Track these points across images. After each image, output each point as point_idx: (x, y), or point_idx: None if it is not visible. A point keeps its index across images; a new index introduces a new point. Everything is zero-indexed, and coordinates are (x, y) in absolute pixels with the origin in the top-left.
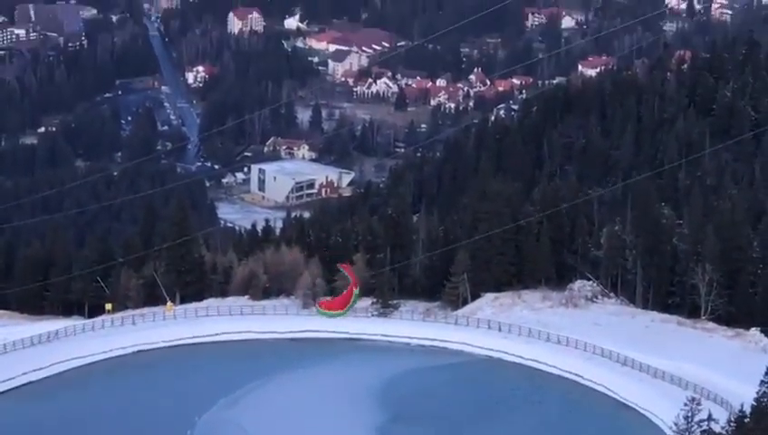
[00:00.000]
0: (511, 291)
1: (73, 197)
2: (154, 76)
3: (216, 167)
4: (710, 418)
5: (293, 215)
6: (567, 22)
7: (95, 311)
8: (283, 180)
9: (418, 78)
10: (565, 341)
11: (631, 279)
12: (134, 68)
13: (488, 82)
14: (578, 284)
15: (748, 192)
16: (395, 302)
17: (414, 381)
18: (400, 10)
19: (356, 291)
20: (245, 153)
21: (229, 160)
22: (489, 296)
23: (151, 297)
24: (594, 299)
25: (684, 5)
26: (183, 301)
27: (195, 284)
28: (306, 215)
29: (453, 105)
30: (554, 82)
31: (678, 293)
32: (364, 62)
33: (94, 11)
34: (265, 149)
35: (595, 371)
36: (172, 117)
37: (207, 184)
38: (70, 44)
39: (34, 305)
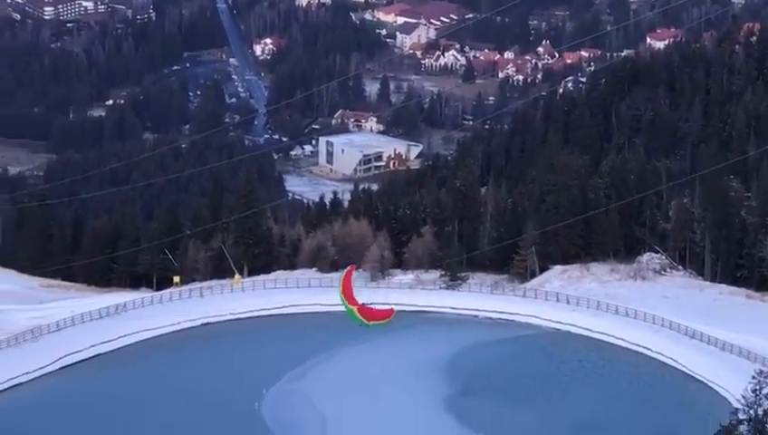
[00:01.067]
0: (579, 264)
1: (141, 169)
2: (222, 49)
3: (284, 139)
4: None
5: (361, 187)
6: None
7: (163, 283)
8: (351, 153)
9: (486, 50)
10: (633, 313)
11: (699, 252)
12: (202, 40)
13: (556, 55)
14: (646, 256)
15: None
16: (463, 274)
17: (482, 353)
18: None
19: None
20: (313, 126)
21: (297, 133)
22: (557, 269)
23: (219, 270)
24: (662, 272)
25: None
26: (251, 273)
27: (262, 256)
28: (374, 187)
29: (521, 77)
30: (622, 54)
31: (747, 265)
32: (432, 34)
33: None
34: (333, 121)
35: (663, 343)
36: (240, 89)
37: (275, 156)
38: (138, 17)
39: (102, 278)
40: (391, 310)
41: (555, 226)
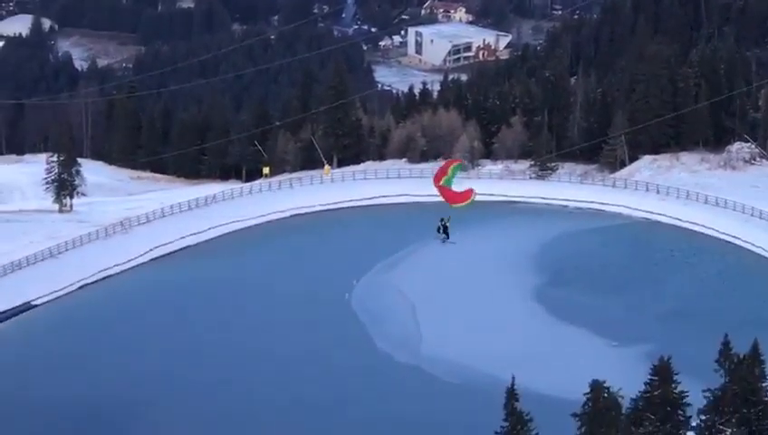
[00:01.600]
0: (669, 153)
1: (230, 61)
2: None
3: (373, 30)
4: None
5: (451, 78)
6: None
7: (252, 175)
8: (440, 43)
9: None
10: (723, 203)
11: None
12: None
13: None
14: (736, 146)
15: None
16: (553, 164)
17: (571, 243)
18: None
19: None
20: (402, 16)
21: (386, 23)
22: (647, 159)
23: (309, 161)
24: (752, 161)
25: None
26: (340, 164)
27: (352, 147)
28: (463, 78)
29: None
30: None
31: None
32: None
33: None
34: (422, 11)
35: (753, 232)
36: None
37: (364, 47)
38: None
39: (192, 170)
40: (470, 190)
41: (645, 115)
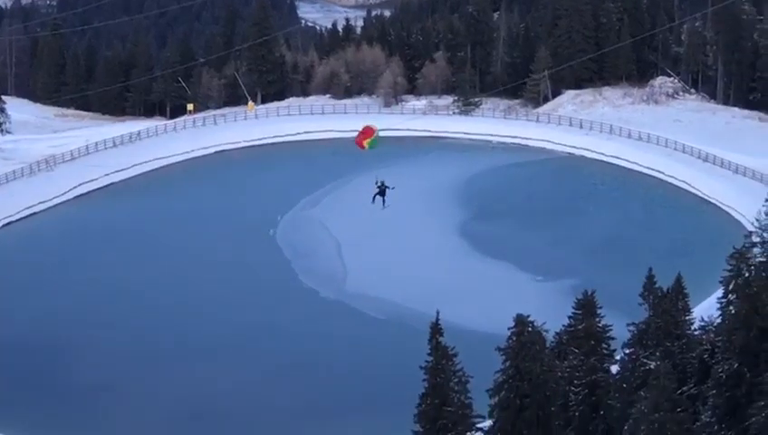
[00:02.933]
0: (592, 88)
1: None
2: None
3: None
4: None
5: (374, 14)
6: None
7: (177, 111)
8: None
9: None
10: (646, 137)
11: (712, 75)
12: None
13: None
14: (659, 80)
15: None
16: (476, 100)
17: (495, 178)
18: None
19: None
20: None
21: None
22: (570, 93)
23: (233, 97)
24: (675, 95)
25: None
26: (264, 100)
27: (276, 83)
28: (387, 13)
29: None
30: None
31: (760, 88)
32: None
33: None
34: None
35: (676, 167)
36: None
37: None
38: None
39: (116, 107)
40: (369, 127)
41: (568, 51)
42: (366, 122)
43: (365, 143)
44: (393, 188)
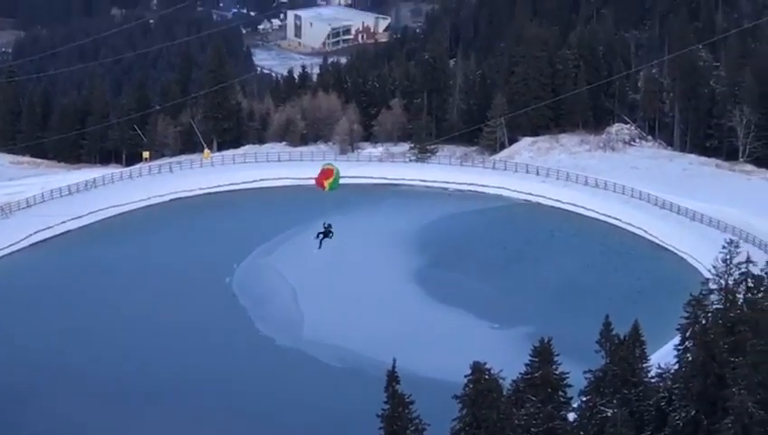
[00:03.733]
0: (548, 135)
1: (109, 45)
2: None
3: (253, 13)
4: (749, 260)
5: (330, 61)
6: None
7: (132, 159)
8: (319, 26)
9: None
10: (603, 184)
11: (669, 122)
12: None
13: None
14: (615, 127)
15: None
16: (432, 147)
17: (452, 225)
18: None
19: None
20: None
21: (265, 7)
22: (527, 140)
23: (188, 145)
24: (632, 142)
25: None
26: (220, 148)
27: (232, 131)
28: (343, 61)
29: None
30: None
31: (716, 135)
32: None
33: None
34: None
35: (633, 214)
36: None
37: (243, 31)
38: None
39: (71, 154)
40: (328, 169)
41: (524, 97)
42: (323, 165)
43: (326, 183)
44: (331, 236)
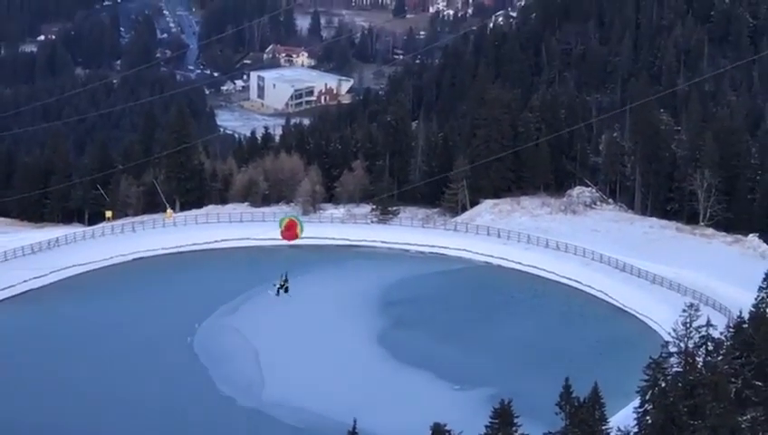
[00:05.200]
0: (510, 197)
1: (73, 105)
2: None
3: (216, 74)
4: (709, 324)
5: (293, 122)
6: None
7: (95, 218)
8: (282, 87)
9: None
10: (564, 247)
11: (630, 185)
12: None
13: None
14: (577, 190)
15: (746, 98)
16: (394, 208)
17: (414, 287)
18: None
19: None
20: (245, 60)
21: (228, 68)
22: (488, 203)
23: (151, 205)
24: (593, 205)
25: None
26: (183, 208)
27: (194, 191)
28: (306, 122)
29: (451, 12)
30: None
31: (677, 199)
32: None
33: None
34: (265, 56)
35: (594, 276)
36: (171, 24)
37: (207, 92)
38: None
39: (35, 213)
40: (291, 222)
41: (486, 160)
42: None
43: (297, 231)
44: (286, 291)
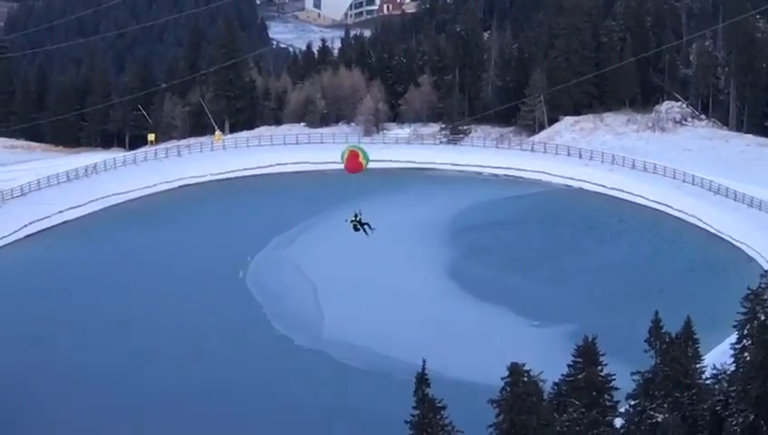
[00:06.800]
0: (592, 114)
1: (111, 17)
2: None
3: None
4: None
5: (353, 34)
6: None
7: (136, 142)
8: None
9: None
10: (652, 168)
11: (724, 99)
12: None
13: None
14: (665, 105)
15: None
16: (465, 127)
17: (487, 213)
18: None
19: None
20: None
21: None
22: (568, 120)
23: (198, 126)
24: (683, 122)
25: None
26: (233, 130)
27: (245, 111)
28: (367, 34)
29: None
30: None
31: None
32: None
33: None
34: None
35: (685, 200)
36: None
37: (258, 1)
38: None
39: (71, 137)
40: (351, 151)
41: (565, 73)
42: (343, 148)
43: (361, 160)
44: (373, 230)
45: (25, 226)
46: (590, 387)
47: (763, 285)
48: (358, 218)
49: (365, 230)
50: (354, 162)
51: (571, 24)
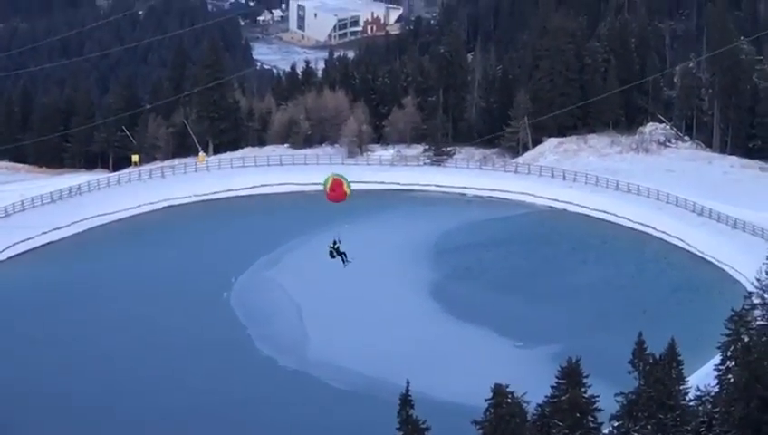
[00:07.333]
0: (576, 135)
1: (95, 39)
2: None
3: (251, 3)
4: None
5: (336, 55)
6: None
7: (120, 163)
8: (324, 17)
9: None
10: (636, 189)
11: (708, 121)
12: None
13: None
14: (649, 126)
15: None
16: (449, 149)
17: (471, 234)
18: None
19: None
20: None
21: None
22: (552, 142)
23: (182, 147)
24: (667, 143)
25: None
26: (216, 151)
27: (229, 132)
28: (350, 55)
29: None
30: None
31: (760, 135)
32: None
33: None
34: None
35: (668, 222)
36: None
37: (242, 22)
38: None
39: (54, 158)
40: (335, 180)
41: (549, 95)
42: (326, 174)
43: (345, 189)
44: (350, 261)
45: (9, 247)
46: (573, 408)
47: (746, 307)
48: (336, 246)
49: (342, 259)
50: (339, 191)
51: (555, 45)
